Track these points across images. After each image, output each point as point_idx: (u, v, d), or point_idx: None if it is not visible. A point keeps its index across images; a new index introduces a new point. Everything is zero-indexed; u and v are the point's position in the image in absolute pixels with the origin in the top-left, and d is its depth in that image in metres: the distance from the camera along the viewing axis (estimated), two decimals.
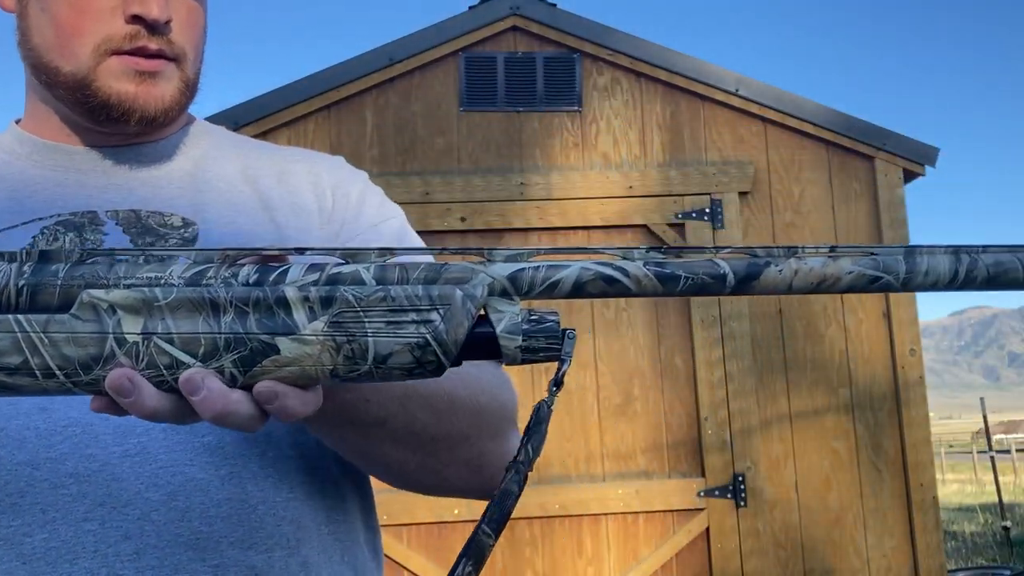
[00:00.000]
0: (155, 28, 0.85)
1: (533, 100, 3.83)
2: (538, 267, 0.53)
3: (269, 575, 0.78)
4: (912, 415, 3.68)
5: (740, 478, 3.58)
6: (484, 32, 3.83)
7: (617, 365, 3.69)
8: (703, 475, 3.61)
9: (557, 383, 0.55)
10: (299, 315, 0.52)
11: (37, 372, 0.51)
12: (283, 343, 0.52)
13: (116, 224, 0.87)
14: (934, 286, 0.53)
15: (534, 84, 3.84)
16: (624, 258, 0.53)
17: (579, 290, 0.53)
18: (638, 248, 0.53)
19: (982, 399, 9.85)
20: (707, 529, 3.57)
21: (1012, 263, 0.53)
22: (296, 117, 3.67)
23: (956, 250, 0.53)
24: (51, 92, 0.88)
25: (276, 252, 0.56)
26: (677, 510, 3.59)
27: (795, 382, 3.71)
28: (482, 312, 0.54)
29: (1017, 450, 23.61)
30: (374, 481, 0.91)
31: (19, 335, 0.51)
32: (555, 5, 3.91)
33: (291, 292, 0.53)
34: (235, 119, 3.54)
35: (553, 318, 0.54)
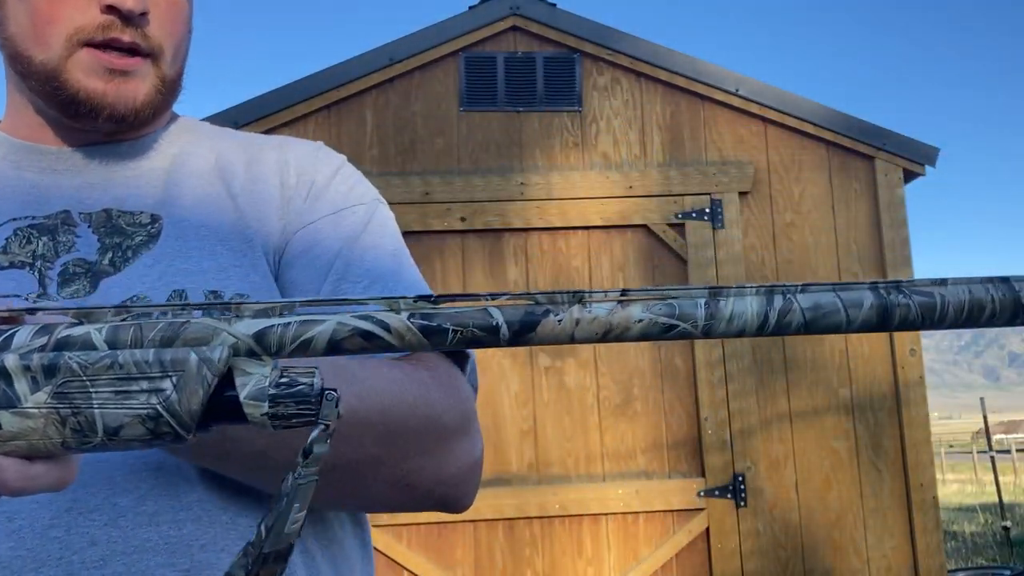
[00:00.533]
0: (130, 19, 0.83)
1: (533, 100, 3.83)
2: (288, 324, 0.48)
3: None
4: (912, 415, 3.68)
5: (740, 478, 3.58)
6: (484, 32, 3.83)
7: (617, 365, 3.69)
8: (703, 475, 3.61)
9: (306, 453, 0.49)
10: (20, 386, 0.49)
11: None
12: (4, 417, 0.49)
13: (88, 226, 0.85)
14: (741, 333, 0.47)
15: (534, 84, 3.84)
16: (390, 309, 0.48)
17: (336, 348, 0.48)
18: (405, 298, 0.48)
19: (982, 399, 9.84)
20: (707, 529, 3.57)
21: (833, 305, 0.47)
22: (296, 117, 3.67)
23: (770, 290, 0.48)
24: (26, 83, 0.87)
25: (5, 314, 0.52)
26: (677, 510, 3.59)
27: (795, 382, 3.71)
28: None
29: (1017, 450, 23.61)
30: None
31: None
32: (555, 5, 3.91)
33: (11, 361, 0.49)
34: (235, 119, 3.54)
35: (306, 380, 0.48)
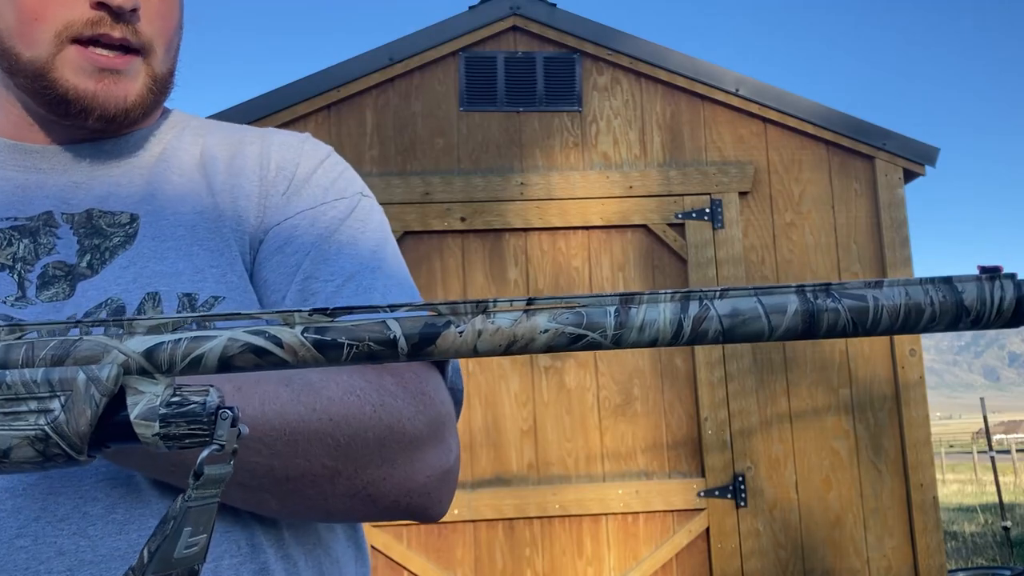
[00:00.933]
0: (120, 15, 0.81)
1: (533, 100, 3.83)
2: (179, 340, 0.46)
3: None
4: (912, 415, 3.68)
5: (740, 478, 3.58)
6: (484, 32, 3.83)
7: (617, 365, 3.69)
8: (703, 475, 3.60)
9: (196, 474, 0.47)
10: None
11: None
12: None
13: (69, 227, 0.83)
14: (654, 343, 0.45)
15: (534, 84, 3.84)
16: (285, 323, 0.46)
17: (227, 364, 0.46)
18: (300, 311, 0.46)
19: (982, 399, 9.84)
20: (707, 529, 3.57)
21: (753, 311, 0.45)
22: (296, 117, 3.67)
23: (686, 295, 0.45)
24: (12, 80, 0.85)
25: None
26: (677, 510, 3.59)
27: (795, 382, 3.71)
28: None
29: (1017, 450, 23.61)
30: None
31: None
32: (555, 5, 3.91)
33: None
34: (235, 119, 3.53)
35: (198, 399, 0.47)
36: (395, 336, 0.46)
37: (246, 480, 0.70)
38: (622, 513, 3.57)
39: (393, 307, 0.47)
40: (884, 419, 3.71)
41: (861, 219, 3.83)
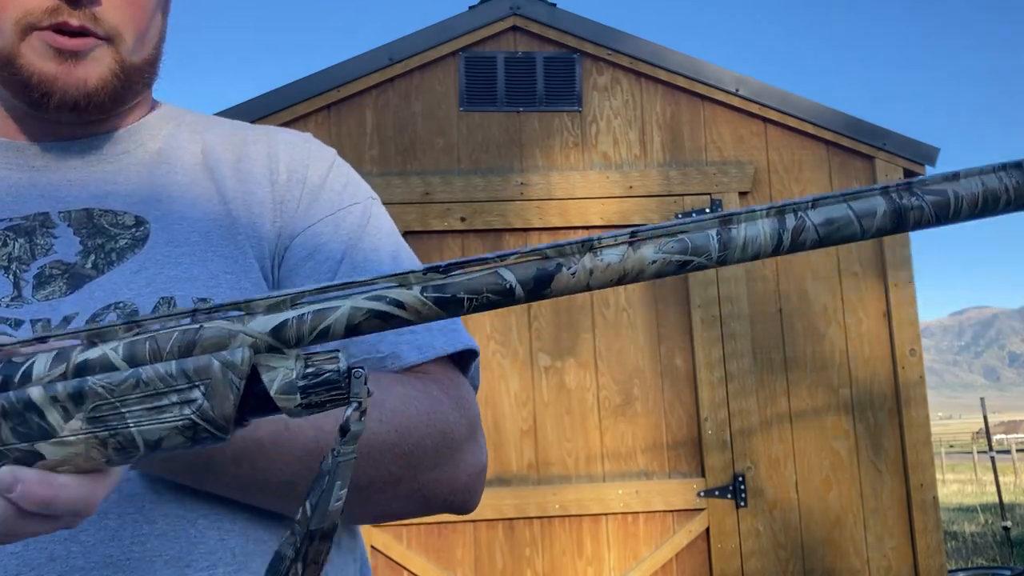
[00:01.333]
0: (76, 2, 0.80)
1: (533, 100, 3.83)
2: (303, 315, 0.48)
3: None
4: (912, 415, 3.68)
5: (740, 478, 3.58)
6: (484, 32, 3.83)
7: (617, 365, 3.69)
8: (703, 475, 3.61)
9: (343, 431, 0.50)
10: (53, 416, 0.49)
11: None
12: (45, 448, 0.49)
13: (68, 226, 0.83)
14: (756, 256, 0.48)
15: (534, 84, 3.84)
16: (401, 285, 0.48)
17: (354, 331, 0.49)
18: (414, 272, 0.48)
19: (982, 399, 9.84)
20: (707, 529, 3.57)
21: (844, 216, 0.48)
22: (296, 117, 3.67)
23: (780, 210, 0.48)
24: None
25: (12, 344, 0.51)
26: (677, 510, 3.59)
27: (795, 382, 3.71)
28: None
29: (1017, 450, 23.61)
30: None
31: None
32: (555, 5, 3.91)
33: (37, 394, 0.49)
34: (235, 119, 3.53)
35: (332, 366, 0.49)
36: (511, 284, 0.48)
37: (292, 479, 0.72)
38: (622, 513, 3.57)
39: (502, 257, 0.48)
40: (884, 419, 3.71)
41: None
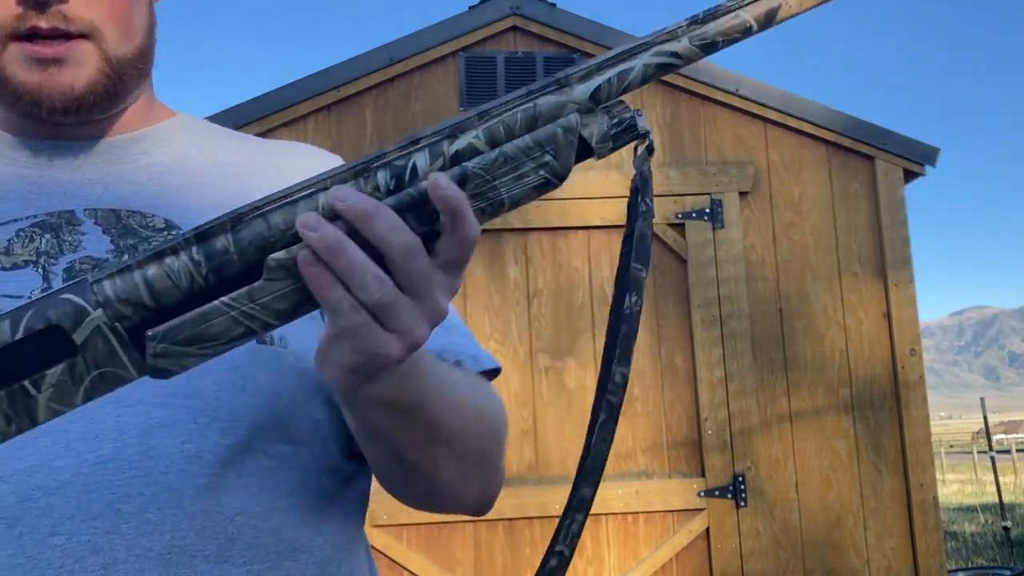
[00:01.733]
0: (41, 4, 0.78)
1: None
2: (610, 80, 0.61)
3: None
4: (912, 415, 3.68)
5: (740, 478, 3.58)
6: (484, 32, 3.83)
7: None
8: (703, 475, 3.60)
9: (650, 150, 0.63)
10: None
11: (258, 330, 0.57)
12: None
13: (95, 223, 0.82)
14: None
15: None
16: (672, 39, 0.61)
17: (646, 80, 0.62)
18: (679, 25, 0.61)
19: (982, 399, 9.84)
20: (707, 529, 3.57)
21: None
22: (296, 117, 3.67)
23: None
24: None
25: (391, 153, 0.59)
26: (677, 510, 3.59)
27: (795, 382, 3.71)
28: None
29: (1017, 450, 23.61)
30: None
31: (232, 314, 0.56)
32: (555, 5, 3.91)
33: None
34: (235, 119, 3.53)
35: (628, 114, 0.62)
36: (749, 24, 0.62)
37: (432, 426, 0.73)
38: (622, 513, 3.57)
39: (741, 3, 0.62)
40: (884, 419, 3.71)
41: (861, 219, 3.83)
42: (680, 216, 3.74)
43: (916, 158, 3.86)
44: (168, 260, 0.56)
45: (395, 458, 0.77)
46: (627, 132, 0.62)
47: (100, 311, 0.54)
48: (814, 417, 3.70)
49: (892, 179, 3.84)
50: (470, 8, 3.88)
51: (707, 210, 3.74)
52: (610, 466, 3.61)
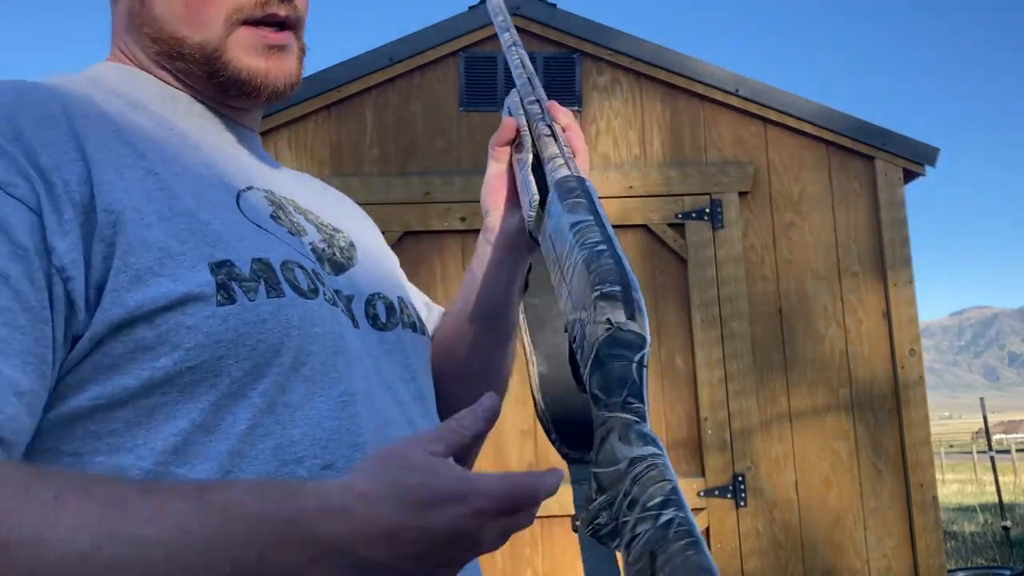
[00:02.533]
0: None
1: None
2: None
3: None
4: (912, 415, 3.68)
5: (740, 478, 3.58)
6: (484, 32, 3.83)
7: None
8: (703, 475, 3.61)
9: None
10: None
11: None
12: None
13: (297, 212, 0.87)
14: None
15: None
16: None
17: None
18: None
19: (982, 399, 9.84)
20: (707, 529, 3.57)
21: None
22: (296, 117, 3.67)
23: None
24: (172, 65, 0.84)
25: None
26: None
27: (795, 382, 3.71)
28: None
29: (1017, 450, 23.61)
30: None
31: None
32: (555, 5, 3.91)
33: None
34: None
35: None
36: None
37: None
38: None
39: None
40: (884, 419, 3.71)
41: (861, 219, 3.83)
42: (680, 216, 3.74)
43: (916, 158, 3.86)
44: None
45: None
46: None
47: None
48: (814, 417, 3.70)
49: (892, 179, 3.84)
50: (470, 8, 3.88)
51: (707, 210, 3.74)
52: None
